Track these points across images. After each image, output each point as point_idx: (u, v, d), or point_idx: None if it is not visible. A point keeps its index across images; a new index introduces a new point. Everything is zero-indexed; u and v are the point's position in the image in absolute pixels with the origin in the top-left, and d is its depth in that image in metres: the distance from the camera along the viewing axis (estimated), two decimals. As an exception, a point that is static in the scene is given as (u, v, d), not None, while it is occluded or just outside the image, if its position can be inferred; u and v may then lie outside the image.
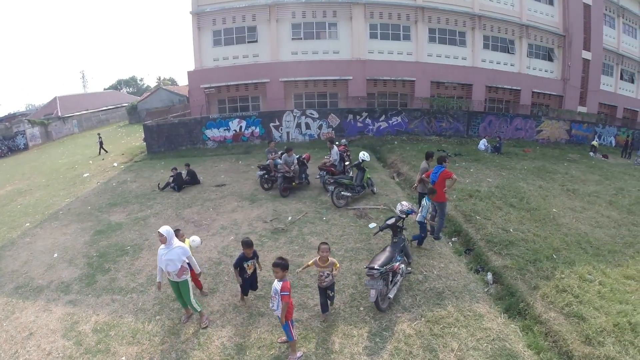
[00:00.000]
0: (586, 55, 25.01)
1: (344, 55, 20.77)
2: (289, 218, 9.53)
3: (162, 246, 5.12)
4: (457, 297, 6.22)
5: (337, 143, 15.12)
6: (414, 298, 6.10)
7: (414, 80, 20.97)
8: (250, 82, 20.92)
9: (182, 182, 12.72)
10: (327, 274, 5.20)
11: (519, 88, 23.05)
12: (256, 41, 20.97)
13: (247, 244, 5.58)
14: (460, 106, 20.82)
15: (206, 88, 21.14)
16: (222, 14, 20.92)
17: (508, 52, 23.14)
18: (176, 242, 5.21)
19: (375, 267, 5.29)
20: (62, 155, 24.39)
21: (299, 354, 4.75)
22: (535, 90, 23.63)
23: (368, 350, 4.97)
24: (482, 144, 18.24)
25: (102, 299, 6.45)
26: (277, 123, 19.53)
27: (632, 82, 29.02)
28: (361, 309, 5.81)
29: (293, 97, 21.53)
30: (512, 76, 22.84)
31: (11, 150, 29.35)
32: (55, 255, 8.41)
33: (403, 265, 6.10)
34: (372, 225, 8.06)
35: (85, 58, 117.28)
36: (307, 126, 19.54)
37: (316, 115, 19.44)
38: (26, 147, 30.13)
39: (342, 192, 10.01)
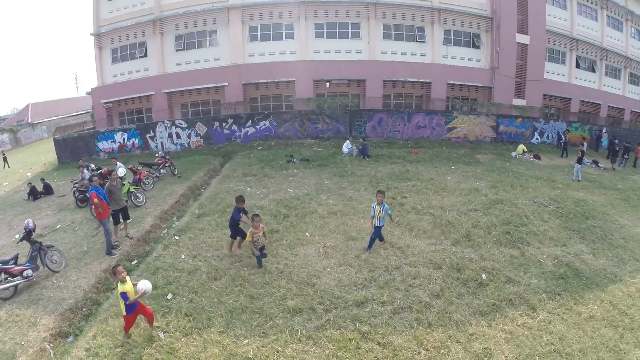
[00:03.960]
0: (522, 39, 21.26)
1: (225, 62, 20.18)
2: (58, 226, 10.27)
3: None
4: (29, 304, 6.54)
5: (157, 155, 14.73)
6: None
7: (293, 81, 19.54)
8: (140, 95, 21.29)
9: (37, 194, 13.84)
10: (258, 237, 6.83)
11: (428, 80, 20.27)
12: (145, 56, 21.35)
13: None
14: (342, 104, 18.88)
15: (105, 103, 21.96)
16: (117, 32, 21.72)
17: (416, 41, 20.57)
18: None
19: None
20: (12, 163, 26.33)
21: None
22: (452, 82, 20.62)
23: None
24: (346, 146, 16.19)
25: None
26: (152, 134, 19.49)
27: (593, 71, 23.88)
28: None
29: (180, 107, 21.40)
30: (419, 67, 20.19)
31: (-19, 157, 32.43)
32: None
33: (30, 271, 7.03)
34: (17, 236, 8.88)
35: (80, 60, 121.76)
36: (178, 135, 19.20)
37: (185, 124, 19.04)
38: (-4, 153, 32.97)
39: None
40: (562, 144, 19.07)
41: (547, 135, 20.97)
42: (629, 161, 19.01)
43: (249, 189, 12.22)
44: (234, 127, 18.53)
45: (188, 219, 9.92)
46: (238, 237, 7.70)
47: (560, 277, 6.94)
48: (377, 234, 7.63)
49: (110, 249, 8.08)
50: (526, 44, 21.38)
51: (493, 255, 7.66)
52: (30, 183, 14.22)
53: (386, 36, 20.35)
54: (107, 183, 8.77)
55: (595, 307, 6.12)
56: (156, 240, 9.06)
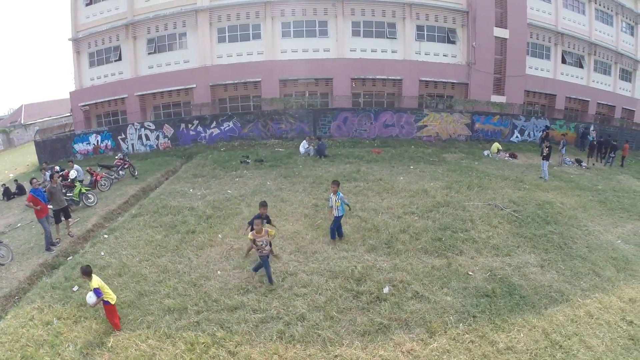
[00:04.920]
0: (501, 33, 20.33)
1: (194, 64, 20.21)
2: (19, 224, 10.81)
3: None
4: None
5: (116, 157, 14.95)
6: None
7: (259, 81, 19.34)
8: (115, 98, 21.58)
9: (10, 194, 14.71)
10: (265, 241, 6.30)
11: (399, 77, 19.66)
12: (120, 59, 21.64)
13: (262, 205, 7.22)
14: (309, 104, 18.54)
15: (82, 106, 22.41)
16: (94, 37, 22.12)
17: (387, 38, 20.00)
18: None
19: None
20: (2, 163, 26.74)
21: None
22: (425, 79, 19.93)
23: None
24: (302, 146, 15.88)
25: None
26: (123, 136, 19.71)
27: (581, 66, 22.52)
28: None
29: (153, 109, 21.56)
30: (389, 64, 19.61)
31: (-26, 158, 33.45)
32: None
33: None
34: None
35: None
36: (147, 137, 19.32)
37: (153, 126, 19.15)
38: (-11, 154, 33.57)
39: None
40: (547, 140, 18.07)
41: (529, 133, 19.98)
42: (616, 160, 17.89)
43: (191, 190, 12.23)
44: (200, 128, 18.51)
45: (124, 218, 10.26)
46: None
47: (486, 295, 5.91)
48: (336, 224, 7.85)
49: (49, 245, 8.60)
50: (505, 39, 20.46)
51: (410, 265, 6.93)
52: (5, 184, 15.11)
53: (355, 33, 19.89)
54: (49, 185, 9.21)
55: (520, 336, 4.98)
56: (94, 238, 9.28)
